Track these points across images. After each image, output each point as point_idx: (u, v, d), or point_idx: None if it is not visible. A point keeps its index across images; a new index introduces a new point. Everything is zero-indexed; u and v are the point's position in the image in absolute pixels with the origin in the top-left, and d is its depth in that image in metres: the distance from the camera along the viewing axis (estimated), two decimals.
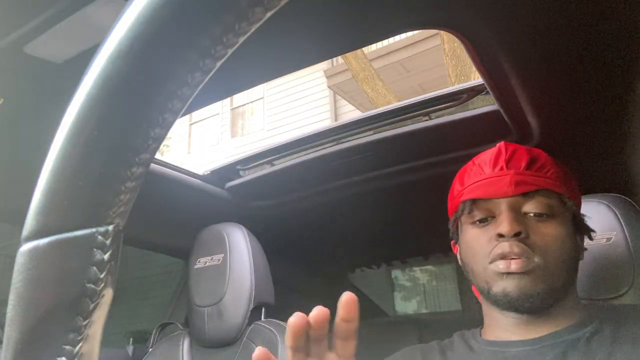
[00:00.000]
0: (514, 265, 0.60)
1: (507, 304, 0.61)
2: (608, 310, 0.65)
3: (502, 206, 0.65)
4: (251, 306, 1.06)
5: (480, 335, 0.70)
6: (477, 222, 0.67)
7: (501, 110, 0.92)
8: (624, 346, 0.58)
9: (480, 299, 0.71)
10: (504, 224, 0.62)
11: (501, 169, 0.66)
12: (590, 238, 0.70)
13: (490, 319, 0.69)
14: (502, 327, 0.66)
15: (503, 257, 0.62)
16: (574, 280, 0.66)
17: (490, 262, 0.63)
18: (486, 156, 0.70)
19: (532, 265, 0.60)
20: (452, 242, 0.78)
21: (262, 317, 1.10)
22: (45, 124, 0.88)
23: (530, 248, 0.61)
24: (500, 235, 0.63)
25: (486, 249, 0.64)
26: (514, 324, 0.65)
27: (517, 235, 0.62)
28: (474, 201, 0.67)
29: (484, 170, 0.68)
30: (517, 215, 0.64)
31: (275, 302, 1.15)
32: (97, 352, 0.19)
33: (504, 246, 0.62)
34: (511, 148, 0.68)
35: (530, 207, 0.64)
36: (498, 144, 0.70)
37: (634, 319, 0.61)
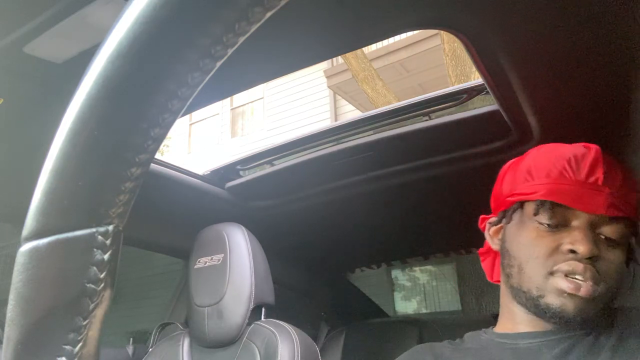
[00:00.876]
0: (584, 290, 0.58)
1: (557, 318, 0.60)
2: (618, 311, 0.65)
3: (583, 221, 0.61)
4: (251, 306, 1.06)
5: (492, 329, 0.71)
6: (546, 225, 0.63)
7: (501, 110, 0.92)
8: (629, 343, 0.58)
9: (503, 290, 0.70)
10: (582, 243, 0.59)
11: (597, 182, 0.61)
12: (638, 263, 0.69)
13: (506, 312, 0.69)
14: (516, 320, 0.67)
15: (571, 274, 0.59)
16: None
17: (552, 274, 0.61)
18: (577, 156, 0.63)
19: (597, 292, 0.59)
20: (490, 217, 0.74)
21: (262, 317, 1.10)
22: (45, 124, 0.88)
23: (598, 272, 0.59)
24: (573, 252, 0.60)
25: (550, 257, 0.61)
26: (529, 319, 0.65)
27: (593, 258, 0.59)
28: (552, 204, 0.62)
29: (574, 172, 0.62)
30: (594, 235, 0.61)
31: (276, 302, 1.15)
32: (97, 352, 0.19)
33: (576, 266, 0.59)
34: (608, 159, 0.63)
35: (608, 231, 0.61)
36: (593, 147, 0.64)
37: None
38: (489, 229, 0.74)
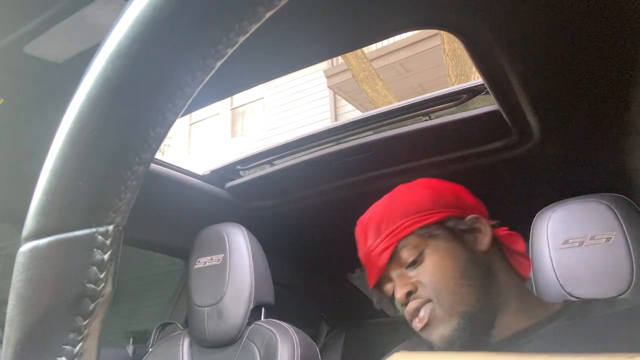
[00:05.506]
0: (419, 323, 0.65)
1: (447, 347, 0.64)
2: (580, 309, 0.65)
3: (388, 284, 0.71)
4: (251, 306, 1.06)
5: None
6: (391, 299, 0.72)
7: (501, 110, 0.92)
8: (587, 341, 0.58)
9: None
10: (396, 295, 0.68)
11: (368, 251, 0.72)
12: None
13: None
14: None
15: (413, 318, 0.66)
16: (505, 285, 0.67)
17: (411, 325, 0.68)
18: (358, 233, 0.75)
19: (429, 311, 0.64)
20: None
21: (262, 317, 1.10)
22: (45, 124, 0.88)
23: (424, 296, 0.65)
24: (401, 304, 0.68)
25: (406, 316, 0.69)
26: None
27: (409, 294, 0.67)
28: (375, 288, 0.73)
29: (362, 257, 0.74)
30: (401, 277, 0.68)
31: (276, 302, 1.15)
32: (97, 352, 0.19)
33: (407, 311, 0.66)
34: (361, 227, 0.74)
35: (404, 263, 0.68)
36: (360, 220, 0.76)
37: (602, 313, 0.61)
38: None
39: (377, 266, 0.69)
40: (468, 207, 0.72)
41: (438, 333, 0.63)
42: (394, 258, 0.68)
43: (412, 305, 0.66)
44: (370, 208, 0.76)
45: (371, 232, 0.71)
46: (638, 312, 0.61)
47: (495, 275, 0.67)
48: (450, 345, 0.62)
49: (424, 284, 0.66)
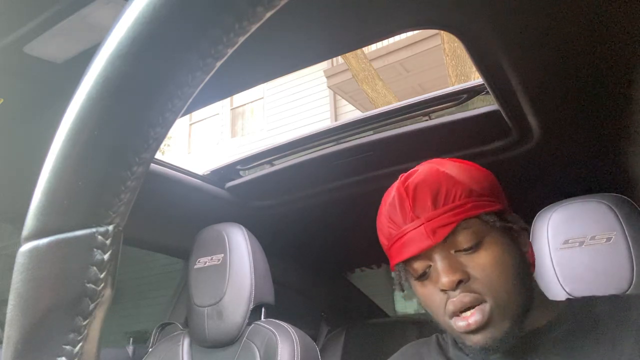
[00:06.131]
0: (473, 324, 0.57)
1: (486, 351, 0.60)
2: (585, 307, 0.63)
3: (434, 256, 0.61)
4: (251, 306, 1.06)
5: None
6: (420, 277, 0.63)
7: (501, 110, 0.92)
8: (600, 347, 0.57)
9: None
10: (441, 279, 0.59)
11: (412, 219, 0.62)
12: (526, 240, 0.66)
13: None
14: None
15: (457, 313, 0.59)
16: (531, 290, 0.63)
17: (450, 318, 0.60)
18: (392, 205, 0.65)
19: (487, 312, 0.58)
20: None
21: (262, 317, 1.10)
22: (45, 124, 0.88)
23: (477, 291, 0.59)
24: (444, 291, 0.60)
25: (439, 304, 0.61)
26: None
27: (460, 283, 0.59)
28: (405, 262, 0.64)
29: (396, 223, 0.64)
30: (451, 260, 0.60)
31: (276, 302, 1.15)
32: (97, 352, 0.19)
33: (455, 303, 0.59)
34: (411, 187, 0.63)
35: (458, 244, 0.61)
36: (396, 187, 0.66)
37: (610, 315, 0.60)
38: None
39: (425, 241, 0.60)
40: (507, 203, 0.68)
41: (489, 336, 0.58)
42: (448, 238, 0.60)
43: (463, 298, 0.58)
44: (418, 169, 0.66)
45: (423, 198, 0.62)
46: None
47: (531, 276, 0.64)
48: (495, 349, 0.58)
49: (478, 277, 0.59)
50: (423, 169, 0.65)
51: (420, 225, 0.61)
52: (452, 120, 1.03)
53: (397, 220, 0.64)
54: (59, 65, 0.79)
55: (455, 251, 0.61)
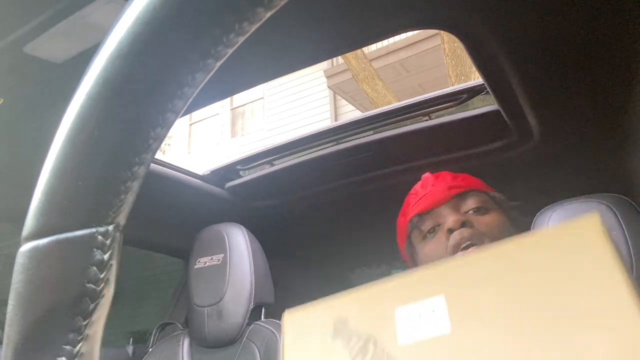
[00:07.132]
0: (472, 249, 0.64)
1: None
2: None
3: (444, 211, 0.71)
4: (251, 306, 1.06)
5: None
6: (427, 235, 0.72)
7: (501, 110, 0.92)
8: None
9: None
10: (449, 220, 0.68)
11: (433, 184, 0.75)
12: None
13: None
14: None
15: (458, 247, 0.65)
16: None
17: (450, 254, 0.67)
18: (416, 185, 0.80)
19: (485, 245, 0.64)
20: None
21: (262, 317, 1.10)
22: (45, 124, 0.88)
23: (478, 231, 0.66)
24: (450, 231, 0.67)
25: (443, 253, 0.68)
26: None
27: (463, 225, 0.67)
28: (420, 216, 0.74)
29: (418, 193, 0.77)
30: (459, 214, 0.70)
31: (275, 302, 1.15)
32: (97, 352, 0.19)
33: (455, 236, 0.66)
34: (434, 173, 0.78)
35: (467, 206, 0.71)
36: (423, 175, 0.80)
37: None
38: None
39: (440, 194, 0.71)
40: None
41: None
42: (458, 200, 0.71)
43: (464, 232, 0.66)
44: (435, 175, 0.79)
45: (444, 175, 0.75)
46: None
47: None
48: None
49: (482, 230, 0.67)
50: (438, 174, 0.79)
51: (438, 187, 0.73)
52: (452, 120, 1.03)
53: (418, 190, 0.77)
54: (59, 65, 0.79)
55: (464, 212, 0.71)
